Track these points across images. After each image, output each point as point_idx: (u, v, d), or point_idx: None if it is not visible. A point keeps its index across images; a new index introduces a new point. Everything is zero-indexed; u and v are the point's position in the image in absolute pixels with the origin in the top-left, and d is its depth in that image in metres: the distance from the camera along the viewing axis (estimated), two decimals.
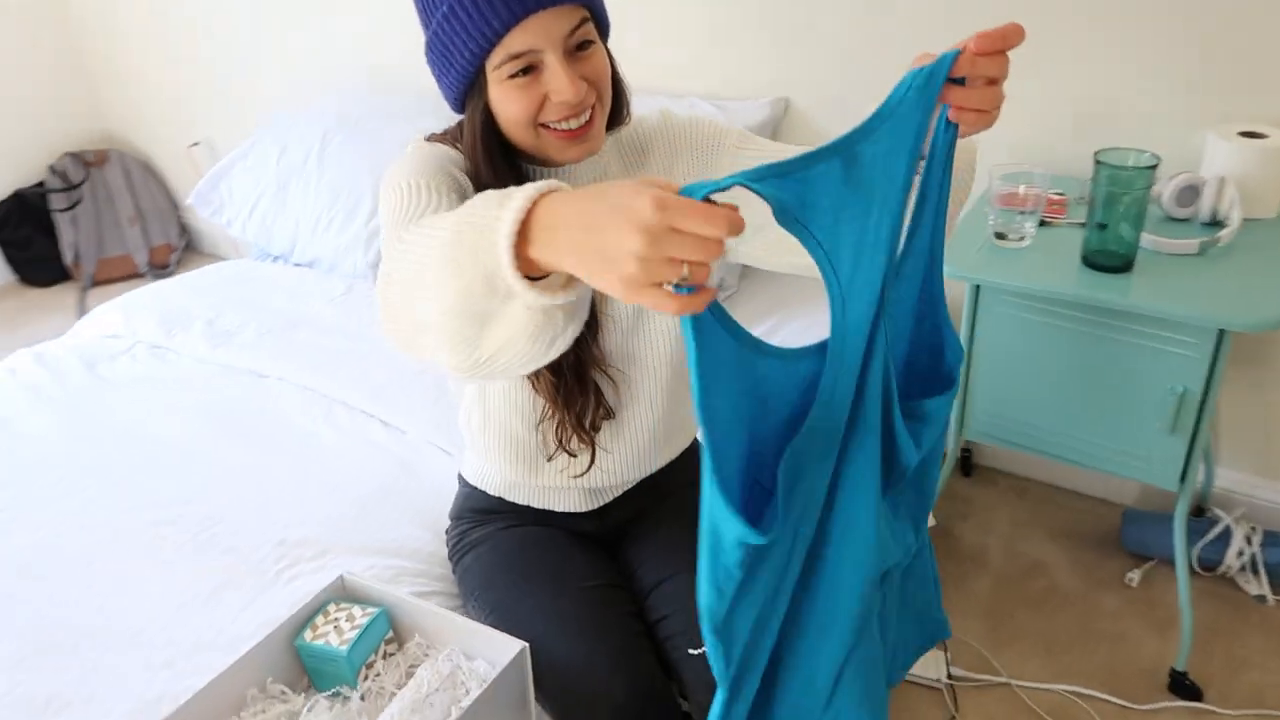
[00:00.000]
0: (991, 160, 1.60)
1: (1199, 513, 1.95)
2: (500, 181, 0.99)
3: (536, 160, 1.06)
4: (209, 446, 1.65)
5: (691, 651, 1.10)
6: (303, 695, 1.11)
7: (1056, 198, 1.68)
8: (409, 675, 1.12)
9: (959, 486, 2.13)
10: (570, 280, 0.68)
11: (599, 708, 1.08)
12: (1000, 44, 0.71)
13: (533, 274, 0.66)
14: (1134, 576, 1.85)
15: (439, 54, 0.98)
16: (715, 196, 0.61)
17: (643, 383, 1.18)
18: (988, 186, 1.55)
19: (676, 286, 0.60)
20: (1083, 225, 1.51)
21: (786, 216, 0.67)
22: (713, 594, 0.76)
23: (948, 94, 0.74)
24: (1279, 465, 1.87)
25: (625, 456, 1.22)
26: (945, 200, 0.82)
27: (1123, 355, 1.49)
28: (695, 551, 0.75)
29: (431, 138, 1.08)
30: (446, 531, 1.35)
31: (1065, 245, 1.55)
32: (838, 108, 2.01)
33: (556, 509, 1.26)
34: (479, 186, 1.02)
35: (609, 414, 1.17)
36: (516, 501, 1.26)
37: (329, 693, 1.11)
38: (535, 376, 1.11)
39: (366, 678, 1.11)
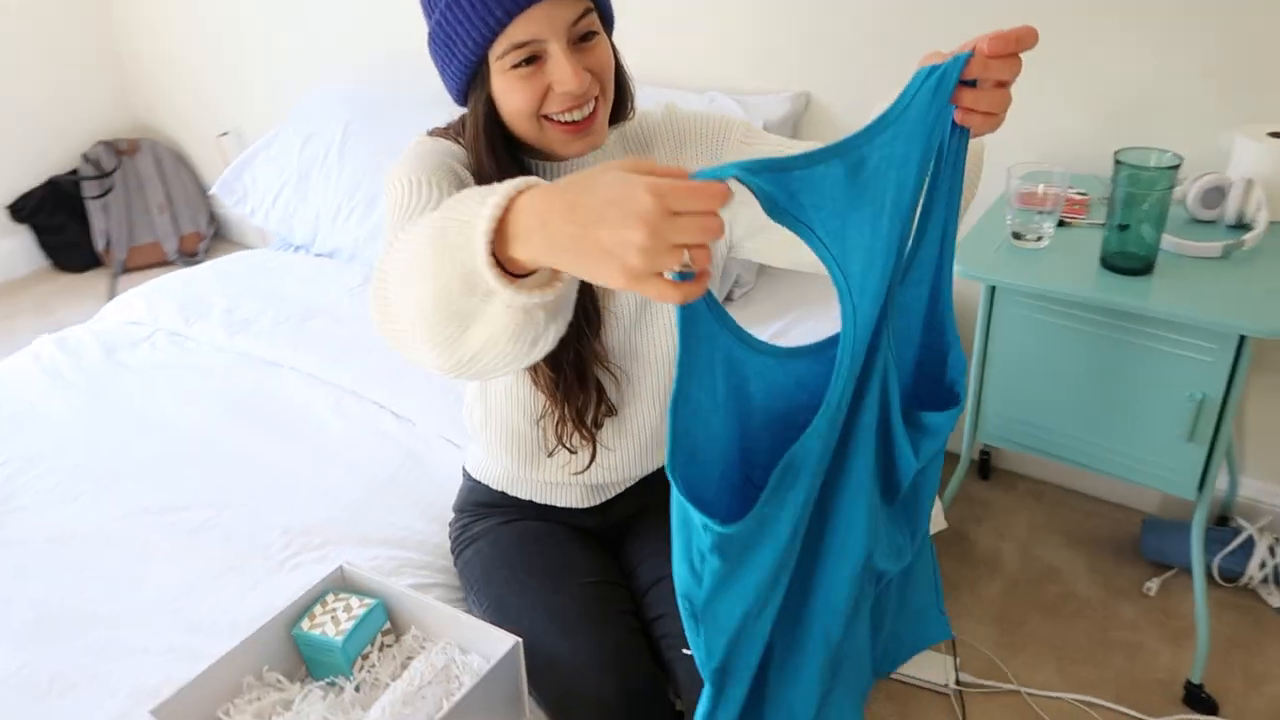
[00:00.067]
0: (1012, 159, 1.57)
1: (1222, 522, 1.90)
2: (503, 175, 0.99)
3: (539, 154, 1.06)
4: (222, 434, 1.67)
5: (685, 651, 1.09)
6: (299, 684, 1.12)
7: (1078, 197, 1.65)
8: (404, 667, 1.12)
9: (976, 489, 2.10)
10: (553, 278, 0.67)
11: (592, 704, 1.07)
12: (1014, 46, 0.70)
13: (517, 272, 0.66)
14: (1152, 585, 1.81)
15: (441, 44, 0.98)
16: None
17: (645, 380, 1.17)
18: (1006, 186, 1.52)
19: (676, 274, 0.60)
20: (1103, 226, 1.48)
21: (776, 210, 0.66)
22: (687, 573, 0.77)
23: (957, 96, 0.73)
24: None
25: (627, 453, 1.21)
26: (956, 203, 0.81)
27: (1140, 359, 1.46)
28: None
29: (434, 132, 1.08)
30: (449, 524, 1.35)
31: (1084, 246, 1.51)
32: (859, 103, 1.98)
33: (557, 504, 1.25)
34: (481, 181, 1.02)
35: (611, 411, 1.16)
36: (518, 496, 1.26)
37: (324, 682, 1.11)
38: (535, 372, 1.11)
39: (362, 668, 1.11)
